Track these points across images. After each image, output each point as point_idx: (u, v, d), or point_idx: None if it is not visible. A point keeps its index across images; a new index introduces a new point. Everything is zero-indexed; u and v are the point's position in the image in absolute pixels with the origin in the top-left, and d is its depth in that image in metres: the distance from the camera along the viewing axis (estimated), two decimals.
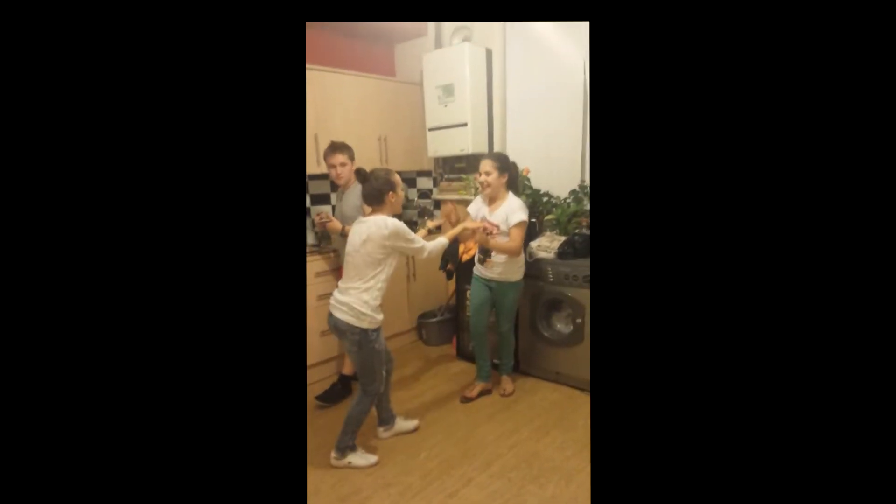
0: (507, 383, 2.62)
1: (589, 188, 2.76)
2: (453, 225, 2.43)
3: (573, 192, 2.82)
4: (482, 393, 2.58)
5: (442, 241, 2.06)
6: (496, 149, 3.20)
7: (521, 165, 2.97)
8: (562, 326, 2.66)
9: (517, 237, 2.28)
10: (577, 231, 2.73)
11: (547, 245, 2.64)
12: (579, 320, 2.50)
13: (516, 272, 2.40)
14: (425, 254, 1.98)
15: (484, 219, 2.33)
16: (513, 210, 2.29)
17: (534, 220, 2.79)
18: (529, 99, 3.08)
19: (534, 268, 2.60)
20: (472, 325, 2.55)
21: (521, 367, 2.80)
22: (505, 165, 2.33)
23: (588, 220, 2.76)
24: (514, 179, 2.41)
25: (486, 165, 2.32)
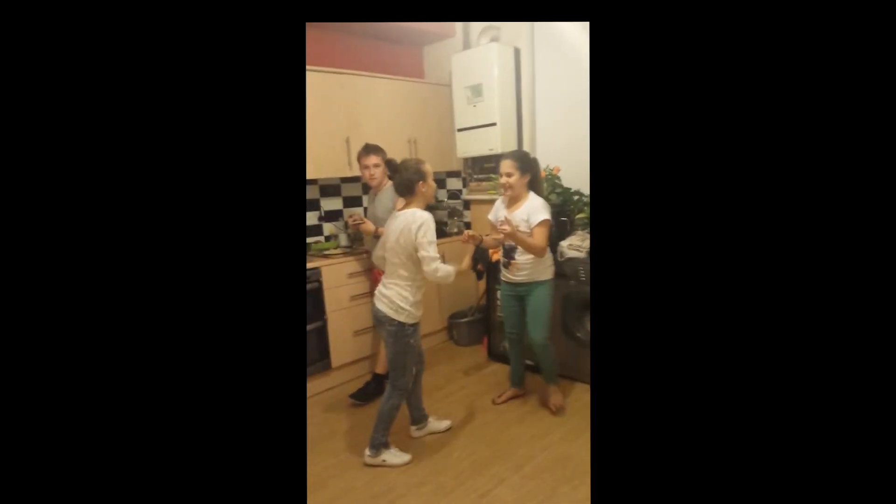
0: (556, 396, 2.40)
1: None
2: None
3: None
4: (512, 398, 2.54)
5: (452, 269, 1.94)
6: (525, 148, 3.17)
7: (552, 164, 2.95)
8: None
9: (541, 236, 2.18)
10: None
11: (578, 244, 2.61)
12: None
13: (544, 272, 2.29)
14: (433, 266, 1.86)
15: (505, 219, 2.20)
16: (535, 209, 2.19)
17: (564, 219, 2.76)
18: (558, 97, 3.05)
19: (565, 267, 2.57)
20: (506, 333, 2.49)
21: None
22: (526, 165, 2.23)
23: None
24: (536, 179, 2.27)
25: (506, 166, 2.21)
